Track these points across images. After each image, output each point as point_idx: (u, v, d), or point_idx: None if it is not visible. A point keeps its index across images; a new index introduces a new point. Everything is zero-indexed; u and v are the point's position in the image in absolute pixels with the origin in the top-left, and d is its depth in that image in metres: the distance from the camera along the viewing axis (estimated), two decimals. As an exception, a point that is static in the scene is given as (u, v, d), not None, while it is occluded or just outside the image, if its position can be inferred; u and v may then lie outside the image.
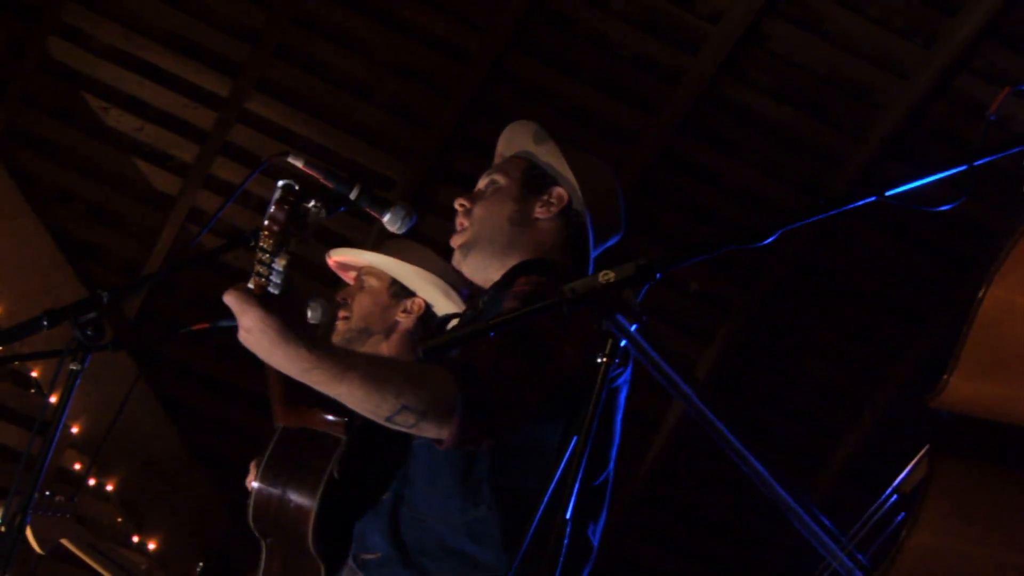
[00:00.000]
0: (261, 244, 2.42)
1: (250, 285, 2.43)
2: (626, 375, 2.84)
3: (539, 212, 2.97)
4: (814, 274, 6.48)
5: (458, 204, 3.02)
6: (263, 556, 3.12)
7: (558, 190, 2.99)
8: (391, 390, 2.46)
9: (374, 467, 2.83)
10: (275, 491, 3.02)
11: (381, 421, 2.49)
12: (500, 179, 3.02)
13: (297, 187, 2.48)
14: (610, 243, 3.04)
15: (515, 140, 3.12)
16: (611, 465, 2.85)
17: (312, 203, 2.51)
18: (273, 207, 2.44)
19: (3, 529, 3.49)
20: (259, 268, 2.42)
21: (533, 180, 3.01)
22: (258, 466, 3.12)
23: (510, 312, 2.48)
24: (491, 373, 2.53)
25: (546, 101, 6.14)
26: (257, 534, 3.11)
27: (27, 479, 3.04)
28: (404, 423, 2.49)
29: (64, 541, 4.05)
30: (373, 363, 2.50)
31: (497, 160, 3.14)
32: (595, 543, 2.80)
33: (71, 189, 6.32)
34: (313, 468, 3.00)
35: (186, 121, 6.19)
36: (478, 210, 2.99)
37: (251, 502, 3.05)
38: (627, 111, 6.17)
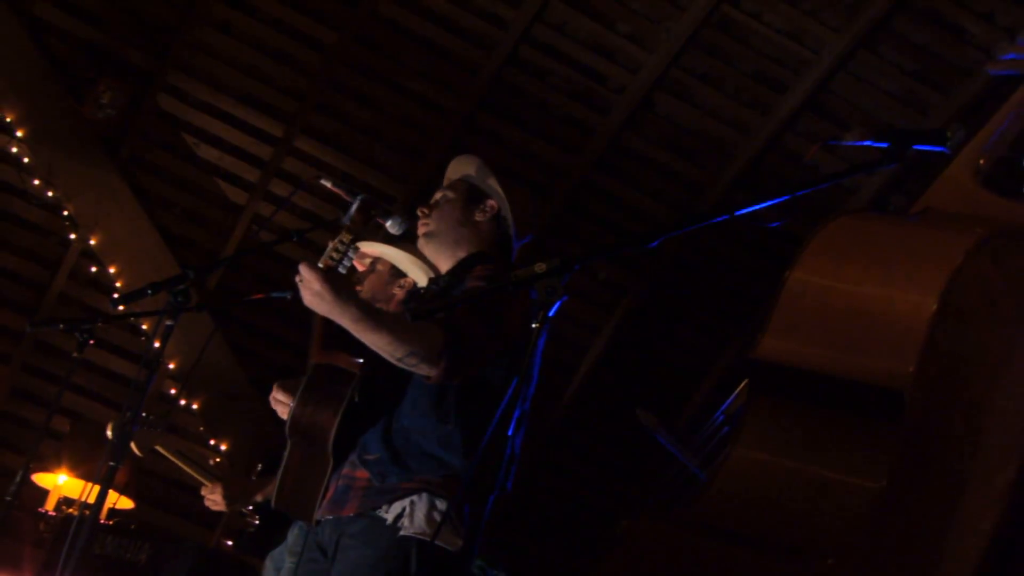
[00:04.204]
0: (341, 238, 2.44)
1: (320, 264, 2.45)
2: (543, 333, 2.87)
3: (478, 216, 3.01)
4: (685, 268, 6.50)
5: (420, 211, 3.05)
6: (287, 451, 3.11)
7: (491, 202, 3.02)
8: (407, 340, 2.52)
9: (377, 396, 2.83)
10: (308, 407, 3.01)
11: (394, 361, 2.56)
12: (450, 194, 3.05)
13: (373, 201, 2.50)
14: (525, 240, 3.07)
15: (460, 168, 3.14)
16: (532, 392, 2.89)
17: (381, 215, 2.53)
18: (355, 213, 2.46)
19: (112, 439, 3.46)
20: (333, 253, 2.45)
21: (473, 195, 3.04)
22: (285, 389, 3.11)
23: (474, 289, 2.52)
24: (466, 333, 2.60)
25: (502, 144, 6.14)
26: (287, 435, 3.09)
27: (136, 399, 3.05)
28: (409, 363, 2.56)
29: (157, 447, 4.03)
30: (398, 322, 2.54)
31: (446, 182, 3.15)
32: (518, 450, 2.83)
33: (172, 199, 6.27)
34: (337, 393, 3.00)
35: (251, 153, 6.16)
36: (435, 213, 3.02)
37: (290, 414, 3.03)
38: (559, 153, 6.18)
